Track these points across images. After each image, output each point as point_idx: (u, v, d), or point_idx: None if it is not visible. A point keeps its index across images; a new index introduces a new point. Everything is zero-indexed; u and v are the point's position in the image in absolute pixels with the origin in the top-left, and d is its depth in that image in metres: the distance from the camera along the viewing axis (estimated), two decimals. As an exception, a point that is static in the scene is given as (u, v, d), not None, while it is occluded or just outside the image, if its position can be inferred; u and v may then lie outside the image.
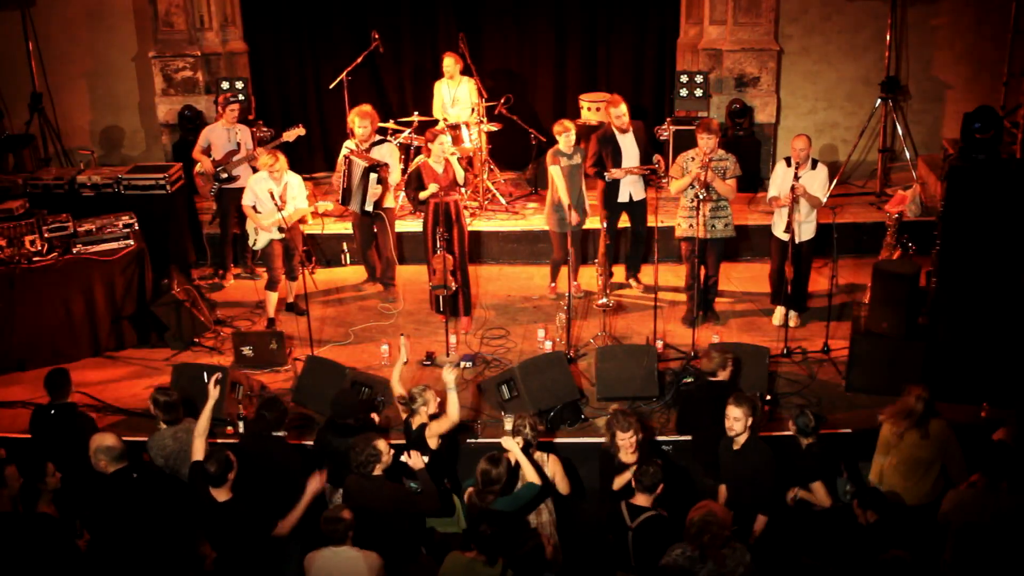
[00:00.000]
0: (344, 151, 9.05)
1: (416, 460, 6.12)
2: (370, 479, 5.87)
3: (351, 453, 5.89)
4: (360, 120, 8.90)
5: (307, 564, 5.54)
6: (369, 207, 8.82)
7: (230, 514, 5.65)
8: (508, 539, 5.29)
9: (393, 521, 5.91)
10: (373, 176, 8.67)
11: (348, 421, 6.38)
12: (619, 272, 9.56)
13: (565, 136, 8.67)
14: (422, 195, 8.45)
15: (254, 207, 8.54)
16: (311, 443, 6.98)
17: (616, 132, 8.89)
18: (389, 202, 9.18)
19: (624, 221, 9.31)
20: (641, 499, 5.87)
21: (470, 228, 9.17)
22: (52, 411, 6.59)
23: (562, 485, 6.31)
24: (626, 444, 6.27)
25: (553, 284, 9.30)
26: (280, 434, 6.40)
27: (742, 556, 5.31)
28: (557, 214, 8.82)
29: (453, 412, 6.37)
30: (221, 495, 5.66)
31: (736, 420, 6.06)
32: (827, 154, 11.31)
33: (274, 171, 8.41)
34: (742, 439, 6.11)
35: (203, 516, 5.75)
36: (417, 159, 10.11)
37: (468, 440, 7.13)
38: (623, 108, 8.86)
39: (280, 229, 8.44)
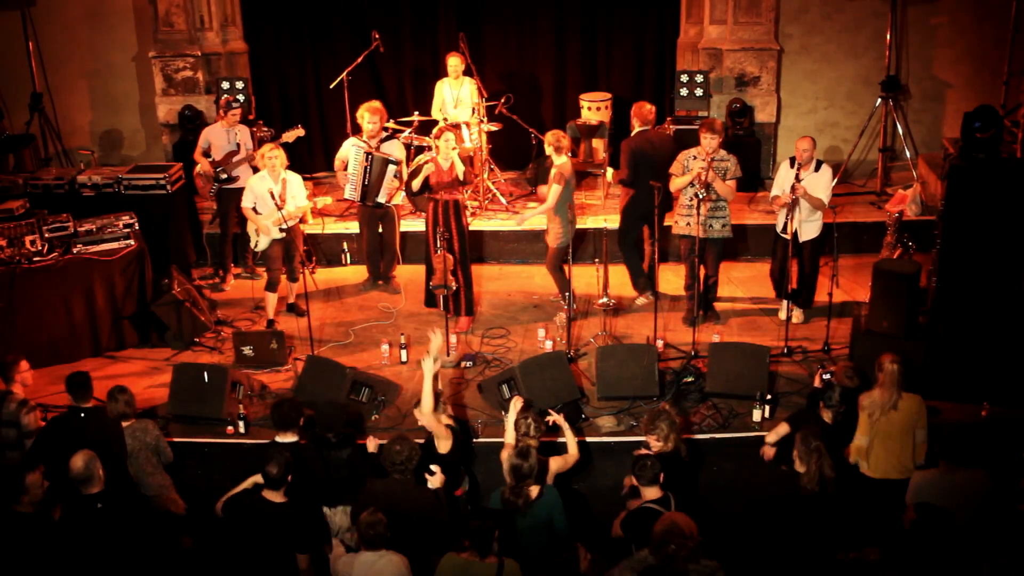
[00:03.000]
0: (355, 148, 8.97)
1: (436, 480, 6.04)
2: (402, 481, 5.85)
3: (389, 453, 5.82)
4: (370, 116, 8.91)
5: (342, 569, 5.51)
6: (383, 198, 8.97)
7: (287, 517, 5.66)
8: (500, 534, 5.31)
9: (419, 524, 5.86)
10: (392, 168, 8.81)
11: (328, 435, 6.32)
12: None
13: (552, 138, 8.50)
14: (415, 182, 8.42)
15: (254, 208, 8.53)
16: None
17: None
18: (397, 198, 9.22)
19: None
20: (650, 492, 5.85)
21: (470, 228, 9.13)
22: (82, 414, 6.57)
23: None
24: (653, 446, 6.24)
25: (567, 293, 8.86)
26: (295, 439, 6.36)
27: (713, 573, 5.25)
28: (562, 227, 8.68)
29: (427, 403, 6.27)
30: (276, 497, 5.69)
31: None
32: (827, 154, 11.30)
33: (273, 158, 8.34)
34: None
35: (257, 519, 5.70)
36: (419, 157, 10.16)
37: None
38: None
39: (281, 229, 8.44)
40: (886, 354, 6.44)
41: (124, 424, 6.54)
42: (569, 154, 8.60)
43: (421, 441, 6.23)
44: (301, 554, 5.66)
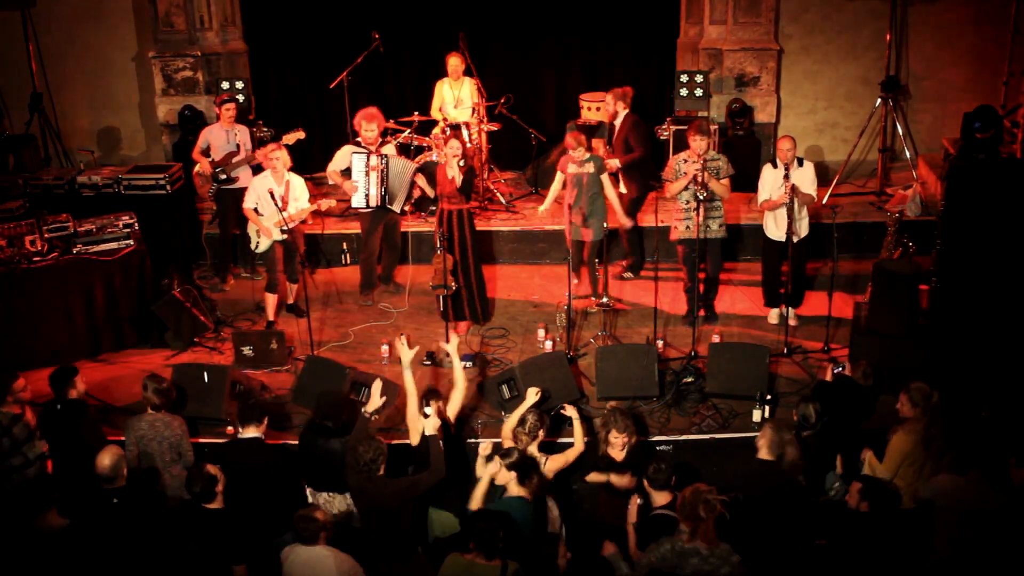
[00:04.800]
0: (358, 155, 8.82)
1: (431, 424, 6.13)
2: (374, 480, 5.86)
3: (353, 455, 5.86)
4: (367, 123, 8.85)
5: (283, 558, 5.58)
6: (407, 206, 9.04)
7: (224, 522, 5.64)
8: (506, 536, 5.32)
9: (397, 516, 5.90)
10: (421, 176, 8.81)
11: (327, 423, 6.34)
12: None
13: (571, 139, 8.53)
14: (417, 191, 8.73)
15: (256, 209, 8.52)
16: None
17: None
18: None
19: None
20: (660, 498, 5.89)
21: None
22: (59, 406, 6.61)
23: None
24: (618, 444, 6.36)
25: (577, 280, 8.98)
26: (258, 435, 6.34)
27: (728, 555, 5.33)
28: (568, 220, 8.75)
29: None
30: (213, 504, 5.70)
31: (760, 437, 6.15)
32: (827, 154, 11.32)
33: (276, 159, 8.35)
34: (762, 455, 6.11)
35: (194, 525, 5.69)
36: (419, 157, 10.17)
37: (468, 440, 7.12)
38: (608, 98, 9.27)
39: (283, 230, 8.43)
40: (919, 384, 6.28)
41: (150, 415, 6.53)
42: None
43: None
44: (236, 565, 5.60)
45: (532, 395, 6.58)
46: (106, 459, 5.77)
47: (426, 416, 6.24)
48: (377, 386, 6.34)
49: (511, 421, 6.52)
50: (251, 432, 6.26)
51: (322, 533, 5.48)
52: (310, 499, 6.42)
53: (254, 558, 5.71)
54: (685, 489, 5.46)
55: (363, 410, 6.24)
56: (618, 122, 9.26)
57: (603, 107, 9.31)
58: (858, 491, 5.75)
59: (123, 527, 5.67)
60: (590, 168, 8.50)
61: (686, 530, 5.37)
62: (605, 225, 8.67)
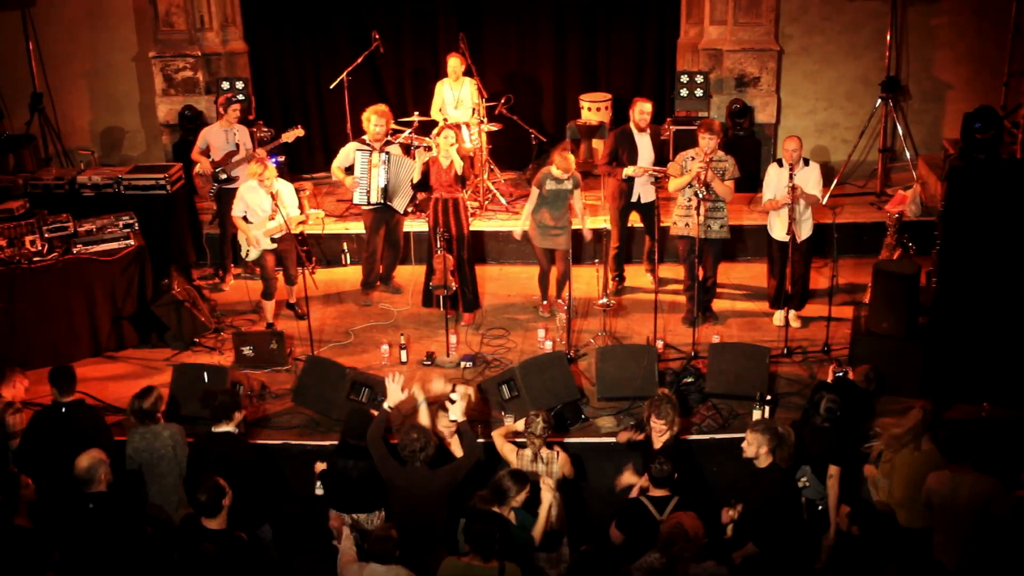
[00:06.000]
0: (361, 152, 8.86)
1: (457, 409, 6.16)
2: (423, 469, 5.86)
3: (403, 444, 5.88)
4: (377, 119, 8.86)
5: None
6: (411, 207, 9.05)
7: (225, 547, 5.48)
8: (503, 537, 5.32)
9: (437, 510, 5.94)
10: (417, 171, 8.80)
11: (362, 444, 6.22)
12: (632, 273, 9.66)
13: (562, 161, 8.38)
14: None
15: (244, 217, 8.51)
16: (311, 444, 6.99)
17: (634, 130, 8.97)
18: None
19: (635, 221, 9.41)
20: (657, 492, 5.99)
21: (471, 228, 9.08)
22: (63, 408, 6.58)
23: (568, 470, 6.44)
24: (657, 432, 6.41)
25: (545, 302, 9.08)
26: (230, 429, 6.33)
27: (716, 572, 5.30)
28: (538, 228, 8.69)
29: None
30: (214, 524, 5.53)
31: (748, 444, 6.07)
32: (827, 154, 11.31)
33: (263, 180, 8.33)
34: (761, 463, 6.06)
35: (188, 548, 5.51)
36: (418, 153, 10.18)
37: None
38: (649, 107, 8.96)
39: (272, 239, 8.44)
40: (925, 402, 6.24)
41: (141, 428, 6.49)
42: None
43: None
44: None
45: (519, 425, 6.59)
46: (83, 461, 5.75)
47: (452, 402, 6.23)
48: (398, 379, 6.24)
49: (506, 451, 6.50)
50: (223, 428, 6.29)
51: (396, 552, 5.42)
52: (334, 519, 6.34)
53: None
54: (665, 523, 5.45)
55: (384, 406, 6.19)
56: (648, 132, 9.02)
57: (645, 116, 8.98)
58: (847, 515, 5.71)
59: (94, 532, 5.64)
60: (568, 186, 8.47)
61: (663, 561, 5.34)
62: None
